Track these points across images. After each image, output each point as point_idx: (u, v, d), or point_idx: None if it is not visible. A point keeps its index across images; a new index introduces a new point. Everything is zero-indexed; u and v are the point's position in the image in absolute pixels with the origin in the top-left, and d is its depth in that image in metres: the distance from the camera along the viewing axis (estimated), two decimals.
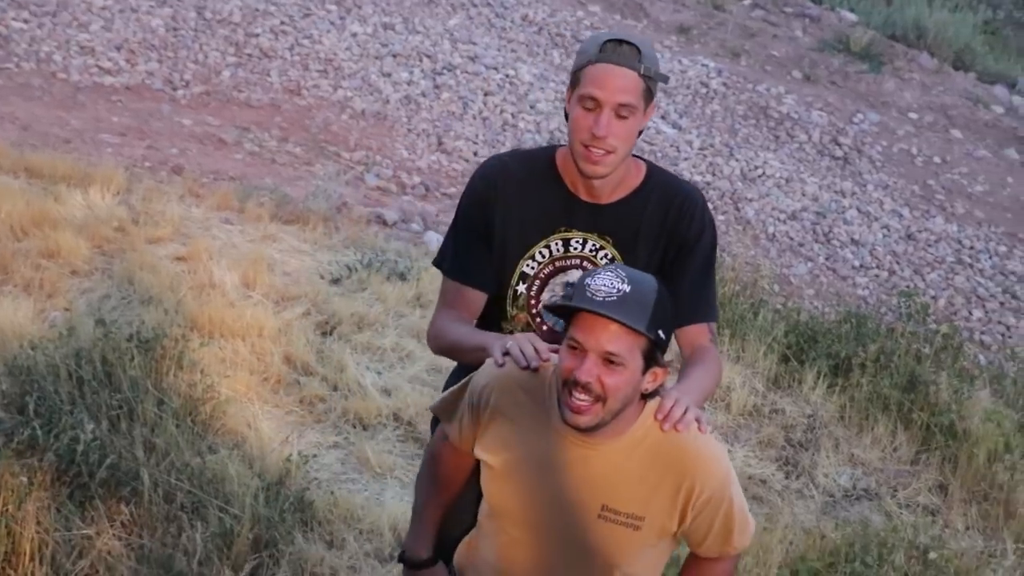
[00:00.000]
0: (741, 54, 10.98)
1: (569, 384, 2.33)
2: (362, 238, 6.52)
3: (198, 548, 3.84)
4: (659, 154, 9.02)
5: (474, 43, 9.99)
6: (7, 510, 3.80)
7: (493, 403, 2.56)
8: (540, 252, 2.86)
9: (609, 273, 2.36)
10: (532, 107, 9.34)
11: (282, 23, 9.54)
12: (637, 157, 2.83)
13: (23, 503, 3.84)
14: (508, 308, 2.90)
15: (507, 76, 9.65)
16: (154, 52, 8.70)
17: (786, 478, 5.24)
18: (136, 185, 6.47)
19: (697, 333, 2.81)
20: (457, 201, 3.02)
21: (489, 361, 2.60)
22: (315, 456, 4.53)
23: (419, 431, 4.84)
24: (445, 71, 9.44)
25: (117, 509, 3.91)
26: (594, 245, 2.83)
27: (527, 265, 2.87)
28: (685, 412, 2.45)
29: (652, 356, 2.40)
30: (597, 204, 2.81)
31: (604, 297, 2.30)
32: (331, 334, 5.50)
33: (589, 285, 2.33)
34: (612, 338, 2.30)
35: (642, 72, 2.65)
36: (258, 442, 4.49)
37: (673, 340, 2.65)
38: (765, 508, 4.94)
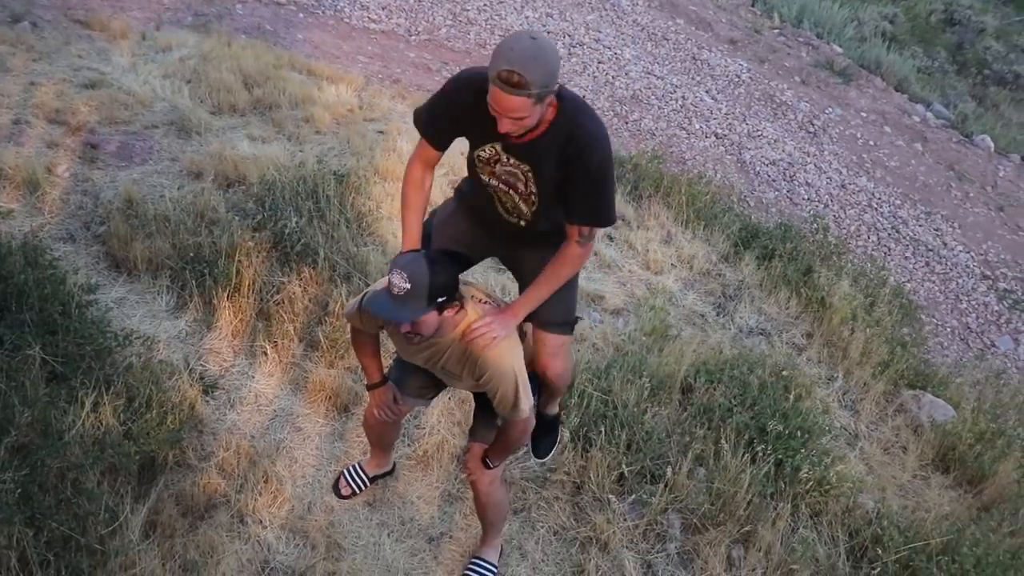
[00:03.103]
0: (765, 61, 10.33)
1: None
2: None
3: (342, 296, 3.78)
4: (697, 112, 8.55)
5: (599, 31, 9.56)
6: (240, 260, 3.77)
7: None
8: (488, 147, 2.43)
9: (396, 275, 2.25)
10: (626, 74, 8.85)
11: (484, 4, 9.18)
12: (558, 96, 2.32)
13: (250, 255, 3.81)
14: (477, 165, 2.48)
15: (615, 54, 9.15)
16: (403, 13, 8.44)
17: (717, 316, 5.00)
18: (368, 87, 6.32)
19: (570, 231, 2.45)
20: None
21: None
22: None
23: None
24: (577, 45, 9.04)
25: (300, 270, 3.87)
26: (516, 161, 2.42)
27: (482, 150, 2.45)
28: (484, 335, 2.35)
29: (442, 307, 2.32)
30: (512, 141, 2.38)
31: (396, 293, 2.25)
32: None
33: (391, 283, 2.26)
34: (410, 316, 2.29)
35: (529, 95, 2.17)
36: (395, 245, 4.38)
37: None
38: (699, 332, 4.71)
